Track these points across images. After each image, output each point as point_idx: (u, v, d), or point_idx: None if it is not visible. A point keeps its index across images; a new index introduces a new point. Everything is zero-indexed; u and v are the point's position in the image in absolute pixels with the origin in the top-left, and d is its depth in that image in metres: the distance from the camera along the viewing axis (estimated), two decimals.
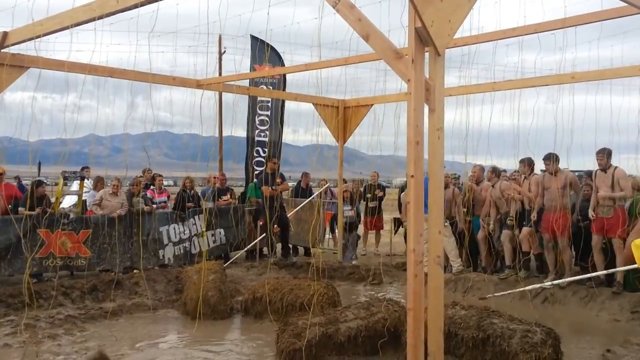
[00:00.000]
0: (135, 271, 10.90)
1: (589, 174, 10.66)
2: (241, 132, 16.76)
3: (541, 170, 10.46)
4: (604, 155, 9.17)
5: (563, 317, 8.61)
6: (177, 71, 10.55)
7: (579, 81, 8.89)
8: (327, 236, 15.19)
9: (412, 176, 4.06)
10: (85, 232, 10.84)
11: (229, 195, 13.65)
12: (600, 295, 8.93)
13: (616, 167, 9.17)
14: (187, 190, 12.76)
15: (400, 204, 13.37)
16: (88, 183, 13.27)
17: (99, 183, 12.22)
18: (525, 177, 10.30)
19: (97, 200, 11.60)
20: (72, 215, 11.05)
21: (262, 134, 16.20)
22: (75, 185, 12.18)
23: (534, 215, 9.79)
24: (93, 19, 6.18)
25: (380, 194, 14.79)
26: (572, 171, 10.67)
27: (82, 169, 12.75)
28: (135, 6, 5.80)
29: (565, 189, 9.61)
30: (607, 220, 9.06)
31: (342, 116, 12.78)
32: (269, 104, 16.18)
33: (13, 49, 7.76)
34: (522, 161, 10.28)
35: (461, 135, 8.24)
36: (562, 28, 7.09)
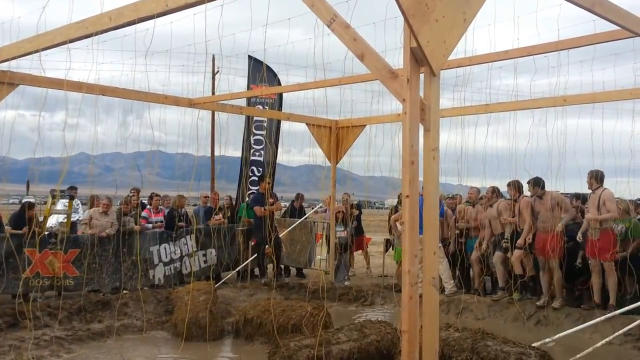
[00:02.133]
0: (124, 291, 10.74)
1: (576, 196, 10.69)
2: (232, 152, 16.74)
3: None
4: (591, 177, 9.21)
5: (557, 340, 8.52)
6: (170, 90, 10.53)
7: (571, 104, 8.93)
8: (318, 257, 15.09)
9: (407, 196, 4.01)
10: (73, 252, 10.69)
11: (220, 215, 13.56)
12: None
13: (604, 189, 9.18)
14: (178, 210, 12.66)
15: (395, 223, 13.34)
16: (77, 202, 13.13)
17: (94, 202, 12.08)
18: (515, 200, 10.26)
19: (87, 219, 11.47)
20: (58, 235, 10.90)
21: (257, 154, 16.17)
22: (61, 204, 12.03)
23: (528, 238, 9.78)
24: (86, 37, 6.14)
25: (357, 212, 14.78)
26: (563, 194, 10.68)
27: (69, 188, 12.60)
28: (129, 24, 5.77)
29: (554, 210, 9.61)
30: (596, 243, 9.04)
31: (335, 136, 12.77)
32: (265, 124, 16.17)
33: (3, 66, 7.70)
34: (509, 185, 10.29)
35: (454, 156, 8.25)
36: (555, 51, 7.13)
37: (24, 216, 10.70)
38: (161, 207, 12.91)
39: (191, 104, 10.65)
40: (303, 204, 15.11)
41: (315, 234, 14.36)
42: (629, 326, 7.69)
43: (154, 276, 11.69)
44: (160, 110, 10.24)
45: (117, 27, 5.91)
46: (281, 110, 15.25)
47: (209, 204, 13.77)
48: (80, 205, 13.52)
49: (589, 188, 9.36)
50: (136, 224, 11.69)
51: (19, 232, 10.23)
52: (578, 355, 6.80)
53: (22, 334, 8.10)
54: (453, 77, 8.57)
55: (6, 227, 10.50)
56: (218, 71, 19.80)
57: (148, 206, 12.82)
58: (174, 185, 11.36)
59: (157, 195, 12.84)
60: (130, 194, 12.48)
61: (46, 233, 10.75)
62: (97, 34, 6.02)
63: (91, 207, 12.03)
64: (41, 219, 11.23)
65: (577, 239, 9.43)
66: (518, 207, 10.04)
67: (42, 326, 8.70)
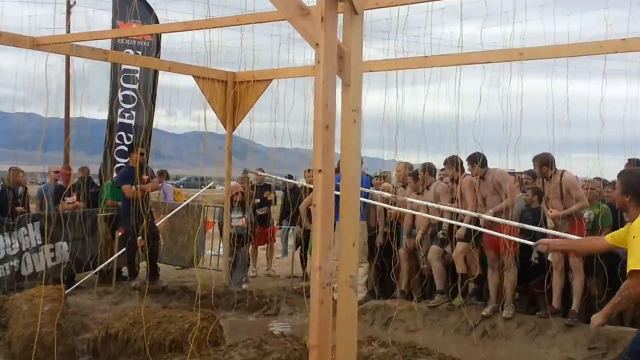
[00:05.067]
0: None
1: (531, 174, 11.11)
2: (95, 113, 16.17)
3: None
4: (541, 164, 9.59)
5: (506, 355, 8.89)
6: (4, 27, 10.03)
7: (528, 59, 9.16)
8: (208, 251, 14.98)
9: (320, 171, 3.99)
10: None
11: (75, 197, 13.11)
12: (551, 328, 9.26)
13: (563, 173, 9.54)
14: (14, 188, 12.14)
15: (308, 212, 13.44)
16: None
17: None
18: (455, 181, 10.49)
19: None
20: None
21: (127, 115, 15.69)
22: None
23: (460, 232, 10.07)
24: None
25: (271, 196, 14.74)
26: (511, 171, 11.04)
27: None
28: None
29: (497, 194, 9.92)
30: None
31: (232, 94, 12.59)
32: (137, 75, 15.69)
33: None
34: (446, 162, 10.52)
35: (384, 123, 8.34)
36: None
37: None
38: None
39: (35, 44, 10.17)
40: None
41: (204, 221, 14.23)
42: None
43: None
44: None
45: None
46: (159, 57, 14.86)
47: (59, 182, 13.27)
48: None
49: (540, 177, 9.76)
50: None
51: None
52: None
53: None
54: (384, 21, 8.61)
55: None
56: (75, 3, 19.00)
57: None
58: (11, 155, 10.90)
59: None
60: None
61: None
62: None
63: None
64: None
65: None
66: (459, 190, 10.28)
67: None
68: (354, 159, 4.18)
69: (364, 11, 4.50)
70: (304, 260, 13.62)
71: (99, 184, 14.39)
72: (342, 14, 4.25)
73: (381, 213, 11.60)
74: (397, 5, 8.05)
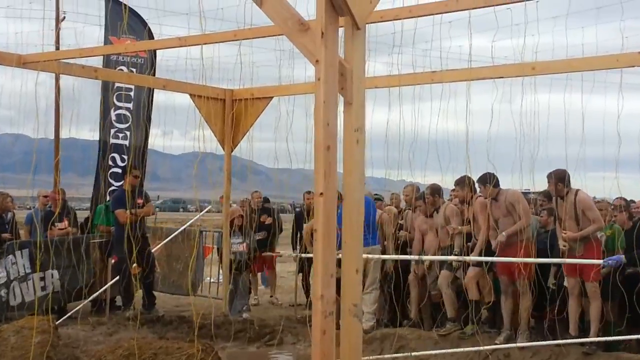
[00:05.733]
0: None
1: (546, 195, 11.09)
2: (87, 134, 16.16)
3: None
4: (556, 180, 9.52)
5: None
6: None
7: (541, 73, 9.20)
8: (207, 279, 14.95)
9: (322, 194, 4.01)
10: None
11: (66, 222, 13.12)
12: (568, 357, 9.21)
13: (577, 192, 9.49)
14: (0, 214, 12.18)
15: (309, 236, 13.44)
16: None
17: None
18: (467, 203, 10.48)
19: None
20: None
21: (121, 135, 15.68)
22: None
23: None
24: None
25: (269, 220, 14.69)
26: (526, 192, 11.01)
27: None
28: None
29: (510, 216, 9.92)
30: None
31: (231, 112, 12.62)
32: (131, 94, 15.70)
33: None
34: (458, 183, 10.53)
35: (388, 142, 8.35)
36: (521, 1, 7.33)
37: None
38: None
39: (22, 62, 10.26)
40: None
41: (202, 247, 14.22)
42: None
43: None
44: None
45: None
46: (154, 74, 14.90)
47: (49, 207, 13.29)
48: None
49: (555, 195, 9.74)
50: None
51: None
52: None
53: None
54: (389, 35, 8.66)
55: None
56: (64, 18, 19.07)
57: None
58: None
59: None
60: None
61: None
62: None
63: None
64: None
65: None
66: (471, 212, 10.26)
67: None
68: (357, 182, 4.19)
69: (367, 25, 4.53)
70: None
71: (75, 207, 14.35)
72: (343, 29, 4.28)
73: (389, 237, 11.59)
74: (401, 19, 8.11)
